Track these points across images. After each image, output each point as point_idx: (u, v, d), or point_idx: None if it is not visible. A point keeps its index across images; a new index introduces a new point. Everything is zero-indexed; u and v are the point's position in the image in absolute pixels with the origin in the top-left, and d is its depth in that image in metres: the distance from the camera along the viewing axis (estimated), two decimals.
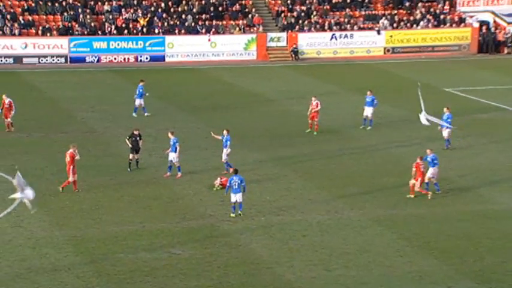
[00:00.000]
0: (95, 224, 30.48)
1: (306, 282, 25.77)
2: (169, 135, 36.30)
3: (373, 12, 73.54)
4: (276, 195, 33.98)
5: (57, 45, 65.54)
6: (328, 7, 72.94)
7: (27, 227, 29.98)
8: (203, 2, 70.87)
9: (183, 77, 61.74)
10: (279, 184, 35.43)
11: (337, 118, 47.99)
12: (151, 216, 31.44)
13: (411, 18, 73.35)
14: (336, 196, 33.94)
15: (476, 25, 73.26)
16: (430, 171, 33.62)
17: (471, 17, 74.16)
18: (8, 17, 66.72)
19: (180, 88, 56.93)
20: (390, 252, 28.13)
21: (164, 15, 69.59)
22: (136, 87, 48.35)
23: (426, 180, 33.53)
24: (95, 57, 66.16)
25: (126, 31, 67.56)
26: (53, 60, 65.41)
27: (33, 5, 68.28)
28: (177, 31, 68.32)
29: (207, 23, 69.54)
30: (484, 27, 73.43)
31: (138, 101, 47.44)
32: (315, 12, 72.14)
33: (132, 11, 69.31)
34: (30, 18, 67.45)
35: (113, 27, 67.60)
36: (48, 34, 66.15)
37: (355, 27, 71.64)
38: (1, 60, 64.72)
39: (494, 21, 74.45)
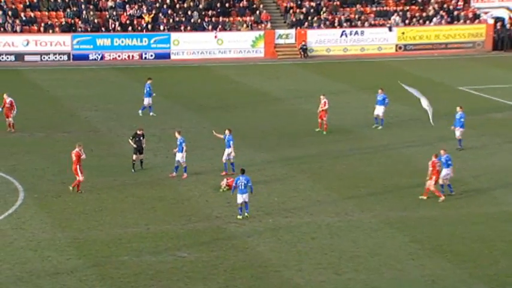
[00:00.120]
0: (98, 226, 30.53)
1: (315, 286, 25.75)
2: (176, 134, 36.35)
3: (385, 8, 73.46)
4: (284, 196, 33.98)
5: (60, 43, 65.66)
6: (338, 3, 72.90)
7: (29, 229, 30.04)
8: None
9: (188, 75, 61.78)
10: (287, 185, 35.42)
11: (347, 117, 47.95)
12: (156, 218, 31.47)
13: (424, 14, 73.24)
14: (346, 197, 33.91)
15: (491, 21, 73.09)
16: (444, 172, 33.55)
17: (486, 13, 74.00)
18: (10, 13, 66.87)
19: (185, 86, 56.97)
20: (402, 255, 28.10)
21: (169, 11, 69.67)
22: (142, 85, 48.37)
23: (440, 182, 33.48)
24: (99, 54, 66.26)
25: (130, 28, 67.65)
26: (56, 57, 65.53)
27: (35, 1, 68.41)
28: (182, 28, 68.36)
29: (213, 19, 69.57)
30: (499, 24, 73.26)
31: (146, 100, 47.45)
32: (324, 9, 72.09)
33: (136, 7, 69.38)
34: (32, 14, 67.60)
35: (117, 23, 67.69)
36: (51, 31, 66.29)
37: (366, 23, 71.55)
38: (2, 58, 64.87)
39: (510, 18, 74.29)
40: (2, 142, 41.86)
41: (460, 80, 59.15)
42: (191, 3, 70.65)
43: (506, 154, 40.51)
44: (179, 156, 36.03)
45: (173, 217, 31.50)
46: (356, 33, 70.39)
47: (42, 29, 66.34)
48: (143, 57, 66.74)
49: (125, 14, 68.84)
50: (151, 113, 47.67)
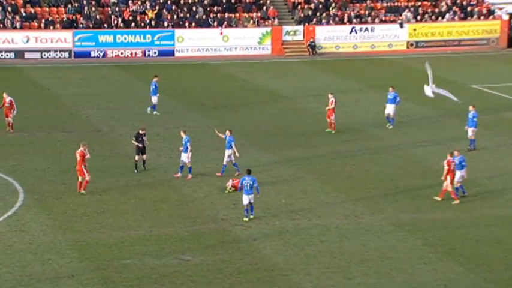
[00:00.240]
0: (100, 229, 30.56)
1: None
2: (182, 134, 36.38)
3: (396, 4, 73.38)
4: (292, 198, 33.97)
5: (61, 39, 65.76)
6: None
7: (29, 231, 30.09)
8: None
9: (193, 72, 61.81)
10: (295, 186, 35.42)
11: (357, 116, 47.92)
12: (159, 220, 31.49)
13: (436, 10, 73.15)
14: (355, 199, 33.89)
15: (506, 17, 72.94)
16: (458, 175, 33.46)
17: (500, 8, 73.85)
18: (9, 9, 66.99)
19: (190, 84, 57.01)
20: (413, 259, 28.07)
21: (174, 7, 69.70)
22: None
23: (456, 185, 33.41)
24: (101, 51, 66.34)
25: (133, 24, 67.72)
26: (56, 55, 65.63)
27: None
28: (187, 24, 68.40)
29: (219, 15, 69.59)
30: None
31: (154, 98, 47.45)
32: (333, 4, 72.06)
33: (139, 2, 69.44)
34: (32, 10, 67.72)
35: (120, 20, 67.76)
36: (51, 27, 66.39)
37: (377, 20, 71.50)
38: (1, 55, 64.99)
39: None
40: (1, 142, 41.94)
41: (474, 78, 59.07)
42: None
43: None
44: (184, 157, 36.05)
45: (177, 219, 31.51)
46: (366, 29, 70.33)
47: (42, 25, 66.45)
48: (146, 55, 66.79)
49: (128, 9, 68.91)
50: (154, 112, 47.70)
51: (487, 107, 48.16)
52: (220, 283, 26.12)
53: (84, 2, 68.64)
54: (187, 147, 35.93)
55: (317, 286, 26.00)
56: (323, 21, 70.66)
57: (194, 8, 69.79)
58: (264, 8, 70.87)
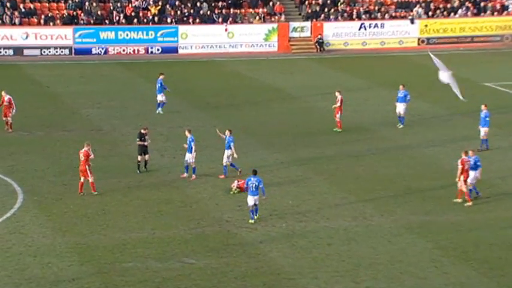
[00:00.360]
0: (101, 231, 30.59)
1: None
2: (186, 133, 36.41)
3: None
4: (299, 199, 33.97)
5: (61, 36, 65.85)
6: None
7: (28, 234, 30.14)
8: None
9: (197, 70, 61.85)
10: (302, 187, 35.41)
11: (366, 115, 47.90)
12: (162, 222, 31.52)
13: (448, 5, 73.06)
14: (364, 200, 33.87)
15: None
16: (472, 176, 33.41)
17: None
18: (8, 4, 67.11)
19: (194, 82, 57.03)
20: (424, 262, 28.04)
21: (177, 2, 69.75)
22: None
23: (468, 186, 33.35)
24: (102, 48, 66.41)
25: (135, 20, 67.78)
26: (56, 51, 65.72)
27: None
28: (191, 20, 68.44)
29: (223, 11, 69.62)
30: None
31: (159, 96, 47.46)
32: (342, 0, 72.01)
33: None
34: (31, 6, 67.81)
35: (122, 16, 67.83)
36: (51, 23, 66.48)
37: (386, 15, 71.43)
38: (0, 52, 65.08)
39: None
40: None
41: (487, 76, 58.97)
42: None
43: None
44: (188, 157, 36.08)
45: (181, 221, 31.53)
46: (376, 25, 70.27)
47: (42, 21, 66.53)
48: (149, 52, 66.84)
49: (130, 5, 68.97)
50: (157, 111, 47.70)
51: (500, 106, 48.09)
52: (224, 287, 26.12)
53: None
54: (191, 147, 35.94)
55: None
56: (331, 17, 70.63)
57: (198, 4, 69.82)
58: (271, 3, 70.86)
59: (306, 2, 71.61)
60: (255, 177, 31.29)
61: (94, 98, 51.71)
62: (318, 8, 70.93)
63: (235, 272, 27.11)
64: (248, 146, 41.11)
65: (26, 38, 65.40)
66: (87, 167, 33.77)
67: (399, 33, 70.63)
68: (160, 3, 69.33)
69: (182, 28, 67.59)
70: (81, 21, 67.12)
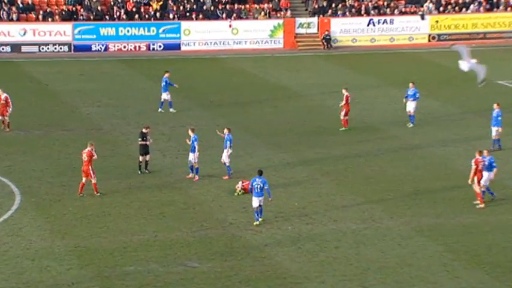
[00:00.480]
0: (101, 233, 30.62)
1: None
2: (190, 132, 36.44)
3: None
4: (305, 201, 33.97)
5: (60, 32, 65.91)
6: None
7: (26, 236, 30.17)
8: None
9: (200, 67, 61.88)
10: (309, 188, 35.41)
11: (375, 114, 47.89)
12: (164, 224, 31.54)
13: (460, 1, 72.96)
14: (373, 202, 33.86)
15: None
16: (486, 176, 33.36)
17: None
18: None
19: (197, 80, 57.06)
20: (435, 266, 28.03)
21: None
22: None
23: (482, 188, 33.30)
24: (102, 45, 66.47)
25: (137, 16, 67.82)
26: (55, 48, 65.78)
27: None
28: (194, 16, 68.46)
29: (227, 6, 69.62)
30: None
31: (164, 95, 47.49)
32: None
33: None
34: (29, 1, 67.84)
35: (122, 11, 67.87)
36: (50, 19, 66.54)
37: (396, 11, 71.38)
38: None
39: None
40: None
41: (499, 74, 58.84)
42: None
43: None
44: (191, 157, 36.10)
45: (183, 223, 31.55)
46: (385, 21, 70.23)
47: (40, 17, 66.60)
48: (151, 48, 66.88)
49: (131, 0, 68.99)
50: (160, 109, 47.76)
51: None
52: None
53: None
54: (194, 147, 35.96)
55: None
56: (339, 12, 70.58)
57: None
58: None
59: None
60: (260, 177, 31.30)
61: (94, 96, 51.76)
62: (325, 4, 70.89)
63: (239, 276, 27.12)
64: (253, 145, 41.13)
65: (24, 34, 65.46)
66: (90, 167, 33.80)
67: (409, 29, 70.58)
68: None
69: (185, 24, 67.62)
70: (81, 17, 67.17)
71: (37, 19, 66.62)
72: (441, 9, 72.12)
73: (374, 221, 31.88)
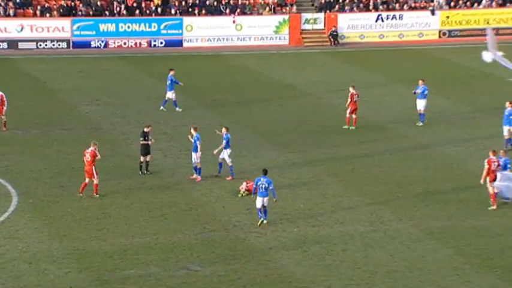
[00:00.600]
0: (101, 236, 30.65)
1: None
2: (192, 131, 36.45)
3: None
4: (311, 202, 33.98)
5: (58, 28, 65.98)
6: None
7: (23, 239, 30.20)
8: None
9: (203, 64, 61.92)
10: (315, 190, 35.42)
11: (383, 113, 47.87)
12: (166, 226, 31.56)
13: None
14: (382, 204, 33.85)
15: None
16: (499, 177, 33.27)
17: None
18: None
19: (199, 78, 57.09)
20: (445, 270, 28.02)
21: None
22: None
23: (496, 190, 33.25)
24: (102, 41, 66.53)
25: (137, 11, 67.87)
26: (53, 45, 65.86)
27: None
28: (196, 11, 68.49)
29: (231, 1, 69.63)
30: None
31: (169, 94, 47.48)
32: None
33: None
34: None
35: (123, 6, 67.92)
36: (48, 15, 66.61)
37: (405, 6, 71.35)
38: None
39: None
40: None
41: None
42: None
43: None
44: (194, 156, 36.11)
45: (185, 225, 31.57)
46: (393, 17, 70.20)
47: (38, 12, 66.67)
48: (152, 45, 66.94)
49: None
50: (162, 107, 47.78)
51: None
52: None
53: None
54: (196, 146, 35.98)
55: None
56: (346, 8, 70.57)
57: None
58: None
59: None
60: (265, 177, 31.32)
61: (93, 95, 51.80)
62: None
63: (243, 280, 27.13)
64: (257, 145, 41.14)
65: (21, 30, 65.54)
66: (93, 167, 33.84)
67: (419, 25, 70.55)
68: None
69: (187, 20, 67.64)
70: (80, 13, 67.22)
71: (34, 15, 66.70)
72: (452, 4, 72.07)
73: (382, 223, 31.88)
